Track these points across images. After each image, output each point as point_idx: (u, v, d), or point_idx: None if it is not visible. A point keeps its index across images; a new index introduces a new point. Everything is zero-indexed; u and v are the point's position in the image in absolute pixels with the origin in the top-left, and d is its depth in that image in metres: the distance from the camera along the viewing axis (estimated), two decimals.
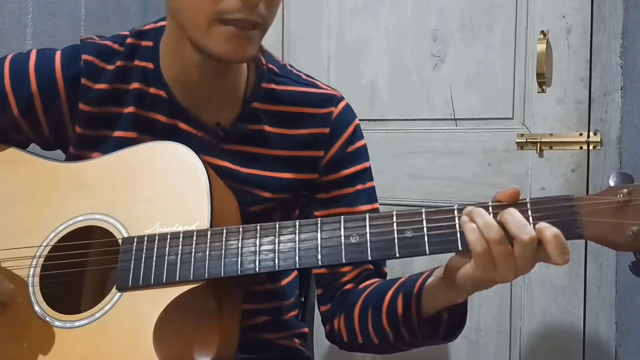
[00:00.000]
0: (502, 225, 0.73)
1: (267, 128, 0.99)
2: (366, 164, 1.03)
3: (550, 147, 1.62)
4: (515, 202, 0.75)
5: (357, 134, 1.03)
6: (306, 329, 1.15)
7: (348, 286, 1.00)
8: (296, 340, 1.12)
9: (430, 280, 0.86)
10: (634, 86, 1.52)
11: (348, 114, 1.03)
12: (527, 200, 0.75)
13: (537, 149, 1.63)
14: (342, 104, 1.03)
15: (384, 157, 1.80)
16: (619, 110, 1.54)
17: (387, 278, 1.02)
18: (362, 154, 1.03)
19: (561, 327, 1.62)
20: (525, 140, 1.64)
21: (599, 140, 1.56)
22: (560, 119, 1.62)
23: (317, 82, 1.05)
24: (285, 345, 1.10)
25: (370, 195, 1.03)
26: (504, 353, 1.70)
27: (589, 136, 1.58)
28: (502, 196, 0.76)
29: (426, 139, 1.78)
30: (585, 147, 1.58)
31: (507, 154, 1.68)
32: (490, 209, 0.75)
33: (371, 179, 1.05)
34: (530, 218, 0.74)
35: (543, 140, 1.63)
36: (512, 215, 0.73)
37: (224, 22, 0.84)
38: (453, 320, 0.87)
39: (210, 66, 0.92)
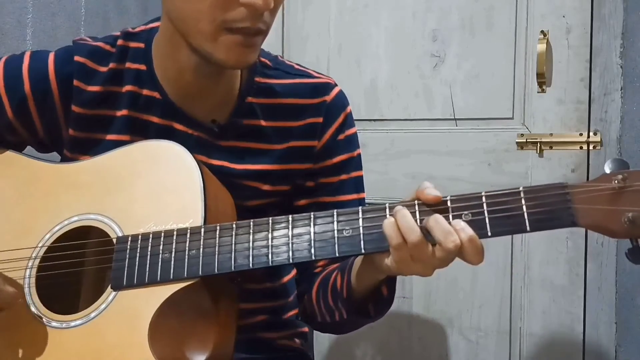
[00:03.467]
0: (426, 230, 0.74)
1: (263, 122, 0.99)
2: (354, 153, 1.04)
3: (550, 147, 1.62)
4: (508, 191, 0.75)
5: (348, 122, 1.03)
6: (306, 329, 1.15)
7: (318, 269, 1.01)
8: (296, 340, 1.12)
9: (357, 259, 0.89)
10: (634, 86, 1.52)
11: (340, 101, 1.03)
12: (521, 189, 0.75)
13: (537, 149, 1.63)
14: (334, 92, 1.03)
15: (384, 157, 1.80)
16: (619, 110, 1.54)
17: None
18: (352, 143, 1.04)
19: (561, 327, 1.62)
20: (525, 140, 1.64)
21: (599, 140, 1.56)
22: (560, 119, 1.62)
23: (310, 71, 1.05)
24: (285, 345, 1.10)
25: (357, 185, 1.04)
26: (504, 353, 1.70)
27: (589, 136, 1.58)
28: (422, 197, 0.77)
29: (426, 139, 1.78)
30: (585, 147, 1.58)
31: (507, 154, 1.68)
32: (416, 207, 0.76)
33: (359, 169, 1.05)
34: (524, 207, 0.73)
35: (543, 140, 1.63)
36: (437, 222, 0.74)
37: (231, 30, 0.84)
38: (380, 300, 0.90)
39: (207, 68, 0.92)
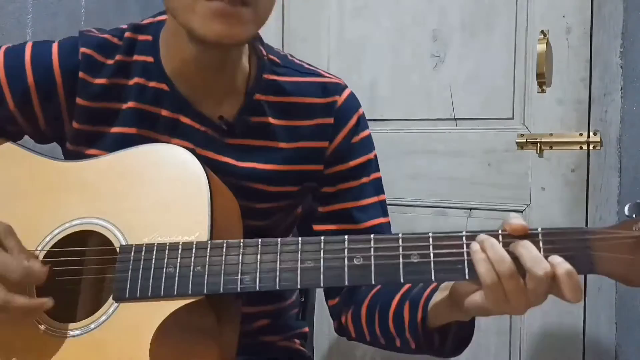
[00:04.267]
0: (514, 258, 0.71)
1: (272, 120, 0.97)
2: (371, 155, 1.02)
3: (550, 147, 1.62)
4: (526, 233, 0.73)
5: (361, 124, 1.01)
6: (306, 329, 1.15)
7: None
8: (296, 341, 1.12)
9: (436, 296, 0.85)
10: (634, 86, 1.51)
11: (352, 102, 1.01)
12: (539, 230, 0.73)
13: (537, 149, 1.63)
14: (346, 93, 1.01)
15: (384, 157, 1.78)
16: (619, 110, 1.54)
17: None
18: (367, 145, 1.02)
19: (561, 327, 1.62)
20: (525, 140, 1.64)
21: (599, 140, 1.56)
22: (560, 119, 1.62)
23: (320, 71, 1.03)
24: (285, 346, 1.09)
25: (376, 187, 1.02)
26: (504, 353, 1.70)
27: (589, 136, 1.58)
28: (509, 228, 0.74)
29: (426, 139, 1.78)
30: (585, 147, 1.58)
31: (507, 154, 1.68)
32: (500, 237, 0.74)
33: (377, 170, 1.03)
34: (542, 250, 0.72)
35: (543, 140, 1.63)
36: (527, 249, 0.71)
37: None
38: (461, 334, 0.86)
39: (207, 58, 0.90)
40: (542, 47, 1.55)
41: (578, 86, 1.60)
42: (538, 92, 1.60)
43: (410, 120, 1.80)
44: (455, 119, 1.75)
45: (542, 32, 1.58)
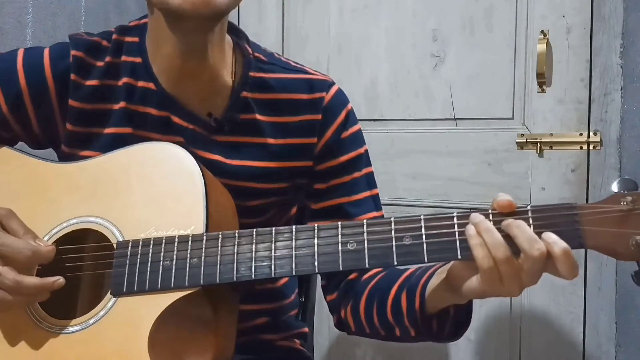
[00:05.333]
0: (507, 237, 0.72)
1: (259, 117, 0.98)
2: (361, 150, 1.02)
3: (550, 147, 1.62)
4: (516, 210, 0.74)
5: (350, 119, 1.02)
6: (306, 329, 1.15)
7: (352, 276, 0.99)
8: (296, 341, 1.12)
9: (432, 281, 0.86)
10: (634, 86, 1.52)
11: (340, 98, 1.02)
12: (529, 207, 0.74)
13: (537, 149, 1.63)
14: (333, 89, 1.01)
15: (384, 157, 1.80)
16: (619, 110, 1.54)
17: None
18: (357, 140, 1.02)
19: (561, 327, 1.62)
20: (525, 140, 1.64)
21: (599, 140, 1.56)
22: (560, 119, 1.62)
23: (307, 68, 1.03)
24: (284, 345, 1.09)
25: (369, 181, 1.02)
26: (504, 353, 1.70)
27: (589, 136, 1.58)
28: (497, 206, 0.74)
29: (426, 139, 1.78)
30: (585, 147, 1.58)
31: (507, 154, 1.68)
32: (491, 216, 0.74)
33: (369, 165, 1.03)
34: (532, 226, 0.72)
35: (543, 140, 1.63)
36: (521, 229, 0.71)
37: None
38: (459, 318, 0.87)
39: (187, 42, 0.90)
40: (542, 47, 1.55)
41: (578, 86, 1.60)
42: (538, 92, 1.60)
43: (410, 120, 1.80)
44: (455, 119, 1.75)
45: (542, 32, 1.58)
